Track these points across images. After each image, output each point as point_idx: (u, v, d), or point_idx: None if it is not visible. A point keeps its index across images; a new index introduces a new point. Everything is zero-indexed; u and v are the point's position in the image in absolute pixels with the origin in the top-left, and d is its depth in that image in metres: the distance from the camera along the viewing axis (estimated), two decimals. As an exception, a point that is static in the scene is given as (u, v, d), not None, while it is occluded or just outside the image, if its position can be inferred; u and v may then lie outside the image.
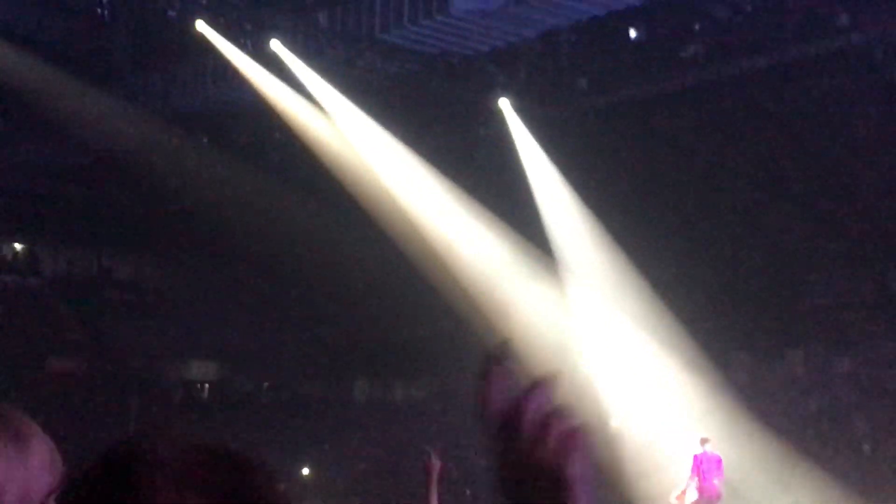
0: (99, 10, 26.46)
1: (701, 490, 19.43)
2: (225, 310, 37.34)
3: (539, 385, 1.55)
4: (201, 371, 41.26)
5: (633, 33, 26.11)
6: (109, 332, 37.71)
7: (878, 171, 29.12)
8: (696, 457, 19.71)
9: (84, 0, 27.37)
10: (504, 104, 27.11)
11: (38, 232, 37.35)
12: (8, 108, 29.90)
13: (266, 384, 40.01)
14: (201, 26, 24.83)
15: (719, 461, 19.80)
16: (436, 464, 7.33)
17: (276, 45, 25.16)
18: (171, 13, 24.83)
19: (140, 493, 1.35)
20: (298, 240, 31.85)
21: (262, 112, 27.12)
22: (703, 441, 19.77)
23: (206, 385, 41.49)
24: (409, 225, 27.98)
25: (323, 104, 26.38)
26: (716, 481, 19.55)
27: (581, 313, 28.13)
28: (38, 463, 2.12)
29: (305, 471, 32.95)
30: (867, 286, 31.81)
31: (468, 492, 23.84)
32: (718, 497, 19.64)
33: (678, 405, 25.60)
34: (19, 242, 38.71)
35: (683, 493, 19.55)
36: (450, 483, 20.14)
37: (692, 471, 19.60)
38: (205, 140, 30.19)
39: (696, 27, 25.66)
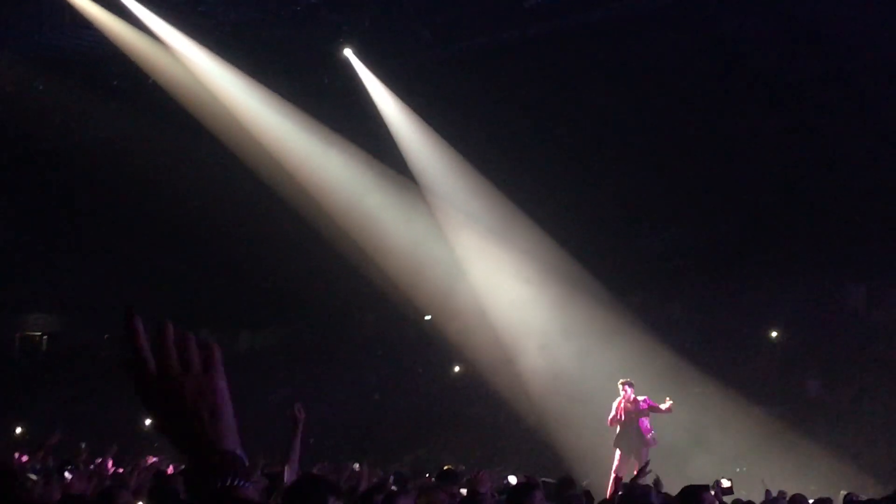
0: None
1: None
2: (65, 260, 36.57)
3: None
4: (40, 323, 40.44)
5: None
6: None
7: (709, 123, 30.07)
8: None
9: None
10: (349, 53, 27.14)
11: None
12: None
13: (106, 335, 39.40)
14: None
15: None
16: (301, 415, 7.49)
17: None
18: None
19: None
20: (143, 190, 31.35)
21: (114, 56, 26.51)
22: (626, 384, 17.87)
23: (45, 337, 40.68)
24: (264, 166, 27.88)
25: (173, 48, 26.05)
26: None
27: (449, 236, 28.82)
28: None
29: (148, 422, 32.66)
30: (700, 235, 32.96)
31: (311, 440, 23.95)
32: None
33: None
34: None
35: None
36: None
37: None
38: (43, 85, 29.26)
39: (539, -21, 25.96)
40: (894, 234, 31.12)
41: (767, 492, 15.34)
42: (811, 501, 11.72)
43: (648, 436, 17.42)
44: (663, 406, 17.70)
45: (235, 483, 1.72)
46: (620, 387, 17.62)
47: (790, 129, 29.82)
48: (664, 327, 29.47)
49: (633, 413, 17.40)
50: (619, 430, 17.49)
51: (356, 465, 17.48)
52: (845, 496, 12.01)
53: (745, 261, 32.45)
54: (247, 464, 1.78)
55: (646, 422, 17.64)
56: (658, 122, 30.22)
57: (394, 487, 11.57)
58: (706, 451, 25.09)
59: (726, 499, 13.30)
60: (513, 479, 15.84)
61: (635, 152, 30.70)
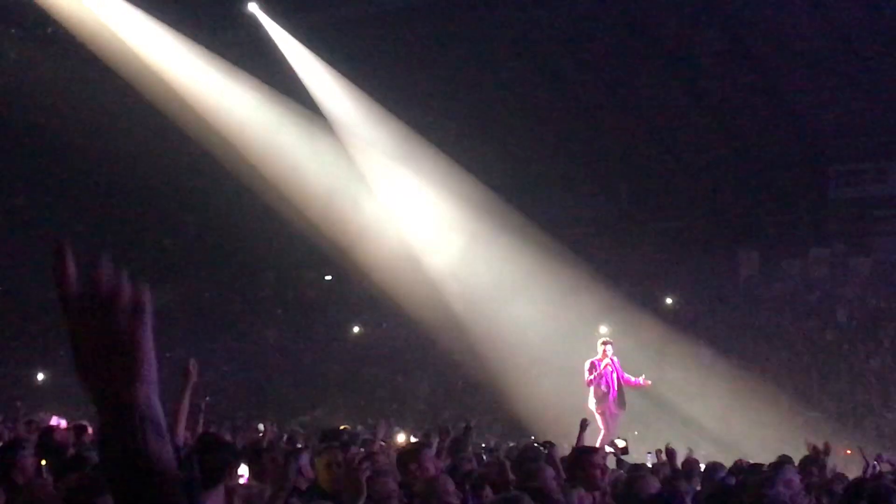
0: None
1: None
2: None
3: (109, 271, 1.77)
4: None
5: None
6: None
7: (612, 92, 30.34)
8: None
9: None
10: (254, 8, 27.02)
11: None
12: None
13: None
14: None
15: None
16: (193, 370, 7.41)
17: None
18: None
19: None
20: (38, 138, 30.67)
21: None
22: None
23: (-66, 289, 39.73)
24: (165, 116, 27.44)
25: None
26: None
27: (358, 165, 28.86)
28: None
29: (40, 376, 32.17)
30: (599, 202, 33.31)
31: (207, 399, 23.81)
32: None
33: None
34: None
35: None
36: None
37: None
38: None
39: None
40: (788, 205, 31.79)
41: (660, 452, 15.44)
42: (703, 466, 12.00)
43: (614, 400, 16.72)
44: (639, 380, 17.19)
45: (149, 443, 1.64)
46: (600, 346, 16.94)
47: (692, 100, 30.21)
48: (567, 290, 29.76)
49: (612, 375, 16.73)
50: (599, 392, 16.60)
51: (261, 426, 17.36)
52: (736, 461, 12.29)
53: (643, 228, 32.92)
54: (163, 423, 1.72)
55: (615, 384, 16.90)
56: (560, 89, 30.40)
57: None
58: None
59: (623, 459, 13.49)
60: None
61: (536, 118, 30.85)
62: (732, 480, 8.14)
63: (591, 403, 16.53)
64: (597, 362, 16.68)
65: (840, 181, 31.75)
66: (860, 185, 31.47)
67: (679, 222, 32.46)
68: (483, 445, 19.06)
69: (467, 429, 12.80)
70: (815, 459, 10.79)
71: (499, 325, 28.68)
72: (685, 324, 29.34)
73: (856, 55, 27.21)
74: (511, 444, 18.37)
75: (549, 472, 7.08)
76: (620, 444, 14.01)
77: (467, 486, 7.43)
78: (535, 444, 12.43)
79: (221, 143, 27.88)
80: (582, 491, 6.94)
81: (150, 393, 1.72)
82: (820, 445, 11.14)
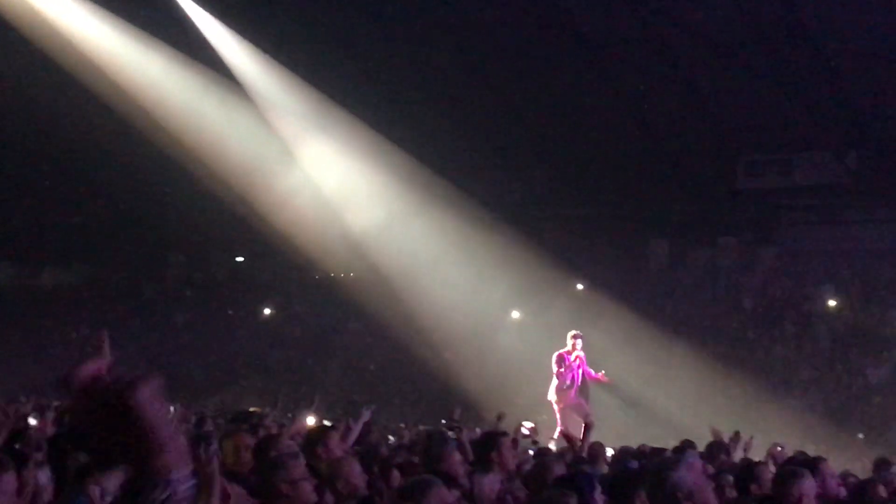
0: None
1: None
2: None
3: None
4: None
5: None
6: None
7: (525, 77, 30.45)
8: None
9: None
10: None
11: None
12: None
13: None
14: None
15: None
16: (105, 345, 7.32)
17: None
18: None
19: None
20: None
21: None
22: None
23: None
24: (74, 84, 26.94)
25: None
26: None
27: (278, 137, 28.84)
28: None
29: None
30: (510, 188, 33.51)
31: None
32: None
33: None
34: None
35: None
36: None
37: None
38: None
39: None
40: (697, 195, 32.24)
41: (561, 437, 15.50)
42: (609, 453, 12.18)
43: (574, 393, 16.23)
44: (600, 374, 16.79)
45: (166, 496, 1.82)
46: (570, 339, 16.59)
47: (606, 90, 30.45)
48: (481, 273, 29.97)
49: (579, 369, 16.38)
50: (563, 385, 16.20)
51: (171, 408, 17.17)
52: (639, 446, 12.48)
53: (557, 214, 33.17)
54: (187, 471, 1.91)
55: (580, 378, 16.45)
56: (476, 74, 30.47)
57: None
58: (508, 403, 25.60)
59: (528, 443, 13.61)
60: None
61: (452, 102, 30.88)
62: (635, 464, 8.26)
63: (552, 396, 16.28)
64: (565, 355, 16.37)
65: (748, 172, 32.28)
66: (767, 177, 32.02)
67: (591, 210, 32.77)
68: (402, 428, 19.08)
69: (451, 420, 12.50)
70: (721, 445, 10.99)
71: (412, 307, 28.78)
72: (595, 310, 29.63)
73: (766, 48, 27.64)
74: (421, 428, 18.39)
75: (456, 456, 7.13)
76: (528, 425, 14.10)
77: (375, 469, 7.46)
78: (451, 425, 12.44)
79: (132, 120, 27.48)
80: (489, 475, 7.00)
81: (170, 447, 1.91)
82: (725, 432, 11.38)
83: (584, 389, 16.32)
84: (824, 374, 27.13)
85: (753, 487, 7.03)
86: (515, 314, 31.86)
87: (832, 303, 30.33)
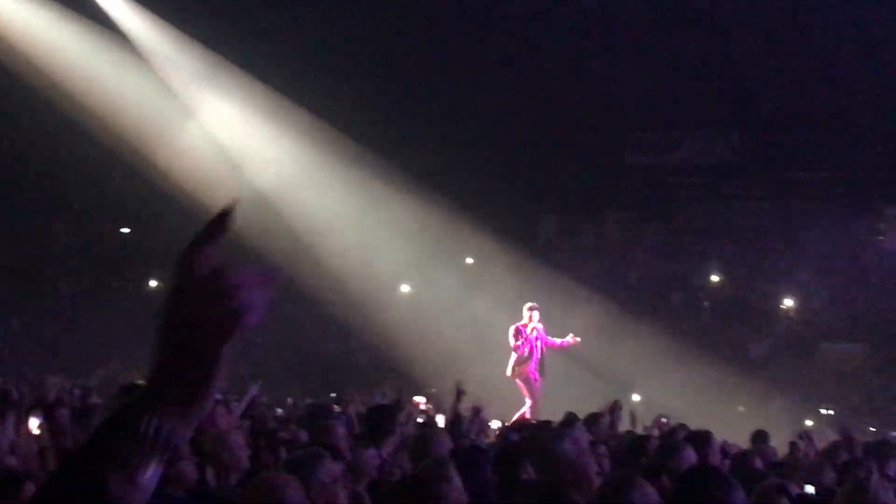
0: None
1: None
2: None
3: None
4: None
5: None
6: None
7: (421, 53, 30.40)
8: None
9: None
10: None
11: None
12: None
13: None
14: None
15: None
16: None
17: None
18: None
19: None
20: None
21: None
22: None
23: None
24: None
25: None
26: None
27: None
28: None
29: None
30: (406, 164, 33.38)
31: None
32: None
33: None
34: None
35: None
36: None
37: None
38: None
39: None
40: (587, 169, 32.56)
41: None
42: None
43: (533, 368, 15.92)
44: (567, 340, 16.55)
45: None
46: (526, 311, 16.14)
47: (497, 65, 30.54)
48: (372, 247, 29.96)
49: (537, 341, 15.97)
50: (522, 358, 15.82)
51: (52, 380, 16.79)
52: (519, 417, 12.61)
53: (447, 188, 33.17)
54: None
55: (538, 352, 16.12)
56: (370, 48, 30.32)
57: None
58: (398, 376, 25.74)
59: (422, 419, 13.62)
60: None
61: (345, 73, 30.70)
62: (516, 437, 8.32)
63: (510, 371, 15.86)
64: (522, 328, 15.95)
65: (636, 149, 32.70)
66: (655, 154, 32.48)
67: (481, 184, 32.85)
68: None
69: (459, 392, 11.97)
70: (605, 415, 11.11)
71: (303, 277, 28.54)
72: (484, 284, 29.80)
73: (655, 27, 27.98)
74: (308, 402, 18.30)
75: (341, 429, 7.11)
76: (420, 400, 14.09)
77: (261, 443, 7.41)
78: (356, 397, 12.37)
79: (12, 81, 26.68)
80: (371, 449, 6.99)
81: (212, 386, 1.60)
82: (611, 404, 11.52)
83: (541, 364, 16.07)
84: (707, 348, 27.62)
85: (643, 460, 7.14)
86: (405, 287, 31.90)
87: (715, 278, 30.93)
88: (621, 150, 32.83)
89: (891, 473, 8.44)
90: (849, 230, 31.69)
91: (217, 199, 29.10)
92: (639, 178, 33.03)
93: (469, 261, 32.40)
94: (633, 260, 31.72)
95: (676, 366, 27.45)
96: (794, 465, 9.62)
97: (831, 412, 24.40)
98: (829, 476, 7.96)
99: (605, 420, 10.36)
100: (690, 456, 6.60)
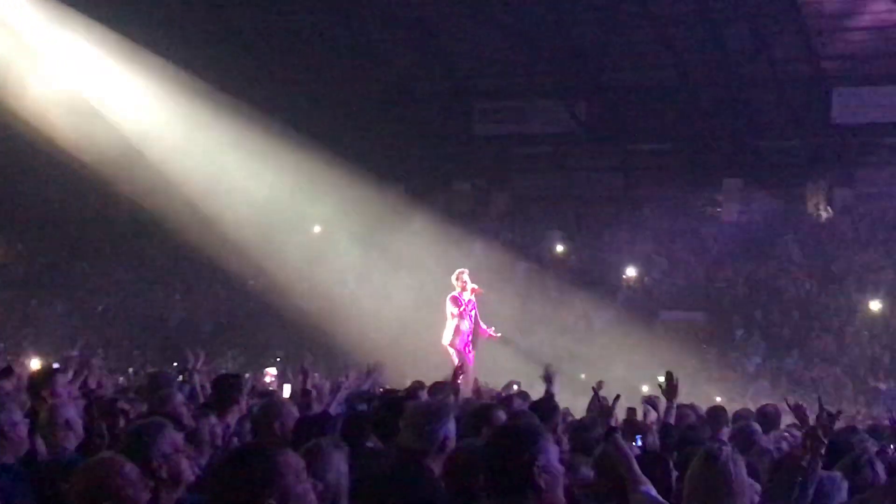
0: None
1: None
2: None
3: None
4: None
5: None
6: None
7: (265, 14, 29.99)
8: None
9: None
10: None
11: None
12: None
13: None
14: None
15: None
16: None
17: None
18: None
19: None
20: None
21: None
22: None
23: None
24: None
25: None
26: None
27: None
28: None
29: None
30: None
31: None
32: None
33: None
34: None
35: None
36: None
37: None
38: None
39: None
40: (434, 138, 32.60)
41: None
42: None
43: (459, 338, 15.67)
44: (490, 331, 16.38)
45: None
46: (456, 281, 15.84)
47: (345, 35, 30.30)
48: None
49: (472, 311, 15.81)
50: (460, 328, 15.65)
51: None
52: (371, 388, 12.58)
53: (292, 155, 32.81)
54: None
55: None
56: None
57: None
58: (234, 344, 25.56)
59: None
60: None
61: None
62: (364, 407, 8.31)
63: (447, 339, 15.63)
64: (458, 297, 15.75)
65: (483, 119, 32.85)
66: (502, 124, 32.69)
67: (327, 152, 32.58)
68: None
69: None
70: (446, 384, 11.11)
71: (143, 246, 27.95)
72: (330, 252, 29.76)
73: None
74: (149, 371, 17.94)
75: (179, 397, 6.98)
76: (271, 370, 13.98)
77: (97, 413, 7.18)
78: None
79: None
80: (212, 417, 6.87)
81: None
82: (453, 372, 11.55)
83: (475, 336, 15.91)
84: (552, 317, 27.97)
85: (485, 430, 7.14)
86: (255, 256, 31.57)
87: (560, 248, 31.35)
88: (468, 120, 32.95)
89: (723, 440, 8.66)
90: (689, 201, 32.48)
91: (78, 147, 28.35)
92: (485, 147, 33.22)
93: (317, 229, 32.20)
94: (479, 230, 31.86)
95: (522, 335, 27.78)
96: (631, 431, 9.78)
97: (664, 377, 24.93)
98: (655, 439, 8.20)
99: (448, 388, 10.37)
100: (500, 417, 6.70)
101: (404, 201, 32.82)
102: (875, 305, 28.43)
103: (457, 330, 15.60)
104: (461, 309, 15.67)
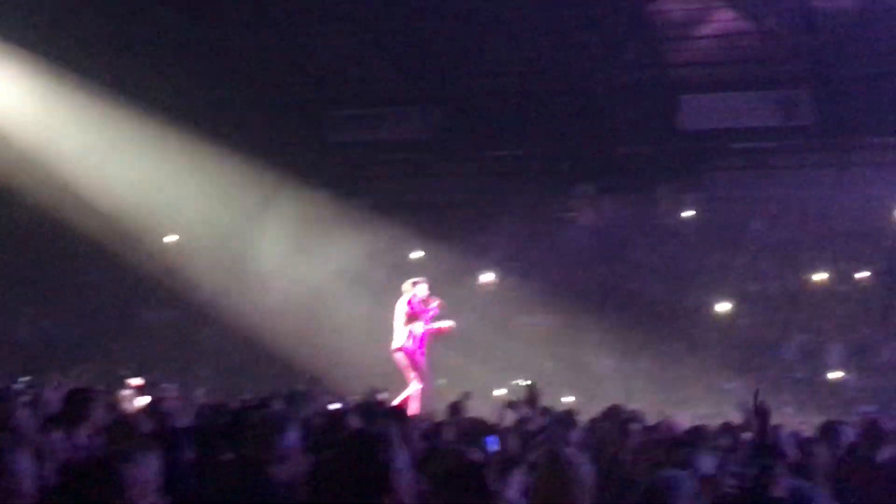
0: None
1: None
2: None
3: None
4: None
5: None
6: None
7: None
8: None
9: None
10: None
11: None
12: None
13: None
14: None
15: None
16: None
17: None
18: None
19: None
20: None
21: None
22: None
23: None
24: None
25: None
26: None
27: None
28: None
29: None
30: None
31: None
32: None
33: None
34: None
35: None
36: None
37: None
38: None
39: None
40: (287, 145, 32.37)
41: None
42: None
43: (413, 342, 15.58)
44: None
45: None
46: (410, 286, 15.79)
47: (194, 37, 29.88)
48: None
49: (424, 316, 15.65)
50: (412, 331, 15.62)
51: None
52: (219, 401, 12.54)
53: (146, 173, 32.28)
54: None
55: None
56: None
57: None
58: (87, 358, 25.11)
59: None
60: None
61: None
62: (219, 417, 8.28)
63: (399, 345, 15.54)
64: (411, 300, 15.66)
65: (337, 126, 32.75)
66: (356, 130, 32.62)
67: (184, 160, 32.07)
68: None
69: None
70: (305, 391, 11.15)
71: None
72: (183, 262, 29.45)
73: (355, 3, 28.09)
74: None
75: (23, 412, 6.86)
76: (136, 382, 13.80)
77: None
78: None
79: None
80: (59, 433, 6.76)
81: None
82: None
83: (427, 343, 15.77)
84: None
85: (339, 436, 7.17)
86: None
87: (416, 255, 31.50)
88: (321, 127, 32.82)
89: (574, 440, 8.83)
90: (544, 207, 32.96)
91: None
92: (340, 155, 33.16)
93: (172, 238, 31.75)
94: (335, 237, 31.81)
95: (379, 342, 27.82)
96: (483, 432, 9.91)
97: (526, 382, 25.28)
98: (515, 443, 8.28)
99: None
100: (354, 423, 6.75)
101: (260, 210, 32.58)
102: (722, 307, 29.30)
103: (409, 334, 15.57)
104: (414, 311, 15.62)
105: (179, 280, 29.47)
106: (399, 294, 15.72)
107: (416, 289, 15.86)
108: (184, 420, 9.43)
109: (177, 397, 11.25)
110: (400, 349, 15.56)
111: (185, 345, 28.30)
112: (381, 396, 13.67)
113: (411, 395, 14.56)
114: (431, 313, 15.85)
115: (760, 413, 7.06)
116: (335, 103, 32.46)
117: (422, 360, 15.51)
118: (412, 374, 15.30)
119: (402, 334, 15.54)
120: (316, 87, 31.96)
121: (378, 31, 29.40)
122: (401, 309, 15.63)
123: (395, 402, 13.52)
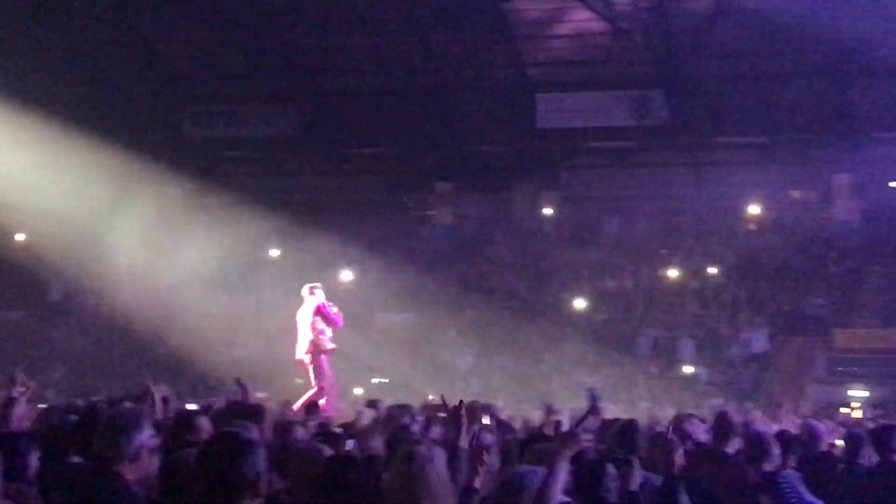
0: None
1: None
2: None
3: None
4: None
5: None
6: None
7: None
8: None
9: None
10: None
11: None
12: None
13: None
14: None
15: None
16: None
17: None
18: None
19: None
20: None
21: None
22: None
23: None
24: None
25: None
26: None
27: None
28: None
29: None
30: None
31: None
32: None
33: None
34: None
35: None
36: None
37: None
38: None
39: None
40: (141, 140, 31.72)
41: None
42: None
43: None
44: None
45: None
46: (308, 293, 15.21)
47: (52, 35, 29.15)
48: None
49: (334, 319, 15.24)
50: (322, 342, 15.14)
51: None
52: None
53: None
54: None
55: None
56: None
57: None
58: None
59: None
60: None
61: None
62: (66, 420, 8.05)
63: (304, 352, 15.01)
64: (323, 306, 15.16)
65: (195, 121, 32.32)
66: (215, 127, 32.23)
67: (37, 155, 31.21)
68: None
69: None
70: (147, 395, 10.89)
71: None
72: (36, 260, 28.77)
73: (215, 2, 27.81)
74: None
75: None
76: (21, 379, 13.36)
77: None
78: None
79: None
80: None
81: None
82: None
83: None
84: (266, 321, 27.76)
85: (189, 437, 7.02)
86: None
87: (274, 251, 31.27)
88: (180, 123, 32.33)
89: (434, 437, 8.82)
90: (402, 205, 33.02)
91: None
92: (197, 150, 32.70)
93: (20, 237, 30.93)
94: (192, 234, 31.32)
95: (239, 341, 27.58)
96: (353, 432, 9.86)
97: (384, 380, 25.33)
98: (378, 441, 8.22)
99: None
100: (204, 423, 6.64)
101: (115, 207, 31.90)
102: (579, 303, 29.71)
103: (313, 343, 15.05)
104: (329, 315, 15.20)
105: (30, 279, 28.70)
106: (300, 301, 15.46)
107: (318, 294, 15.40)
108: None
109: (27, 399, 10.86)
110: (309, 353, 15.21)
111: (36, 345, 27.55)
112: (259, 396, 13.40)
113: (313, 397, 14.38)
114: (338, 315, 15.52)
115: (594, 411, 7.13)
116: (196, 99, 32.00)
117: (325, 365, 15.33)
118: (317, 379, 15.13)
119: (306, 341, 15.09)
120: (175, 82, 31.44)
121: (238, 29, 29.08)
122: (305, 316, 15.18)
123: (297, 405, 13.30)
